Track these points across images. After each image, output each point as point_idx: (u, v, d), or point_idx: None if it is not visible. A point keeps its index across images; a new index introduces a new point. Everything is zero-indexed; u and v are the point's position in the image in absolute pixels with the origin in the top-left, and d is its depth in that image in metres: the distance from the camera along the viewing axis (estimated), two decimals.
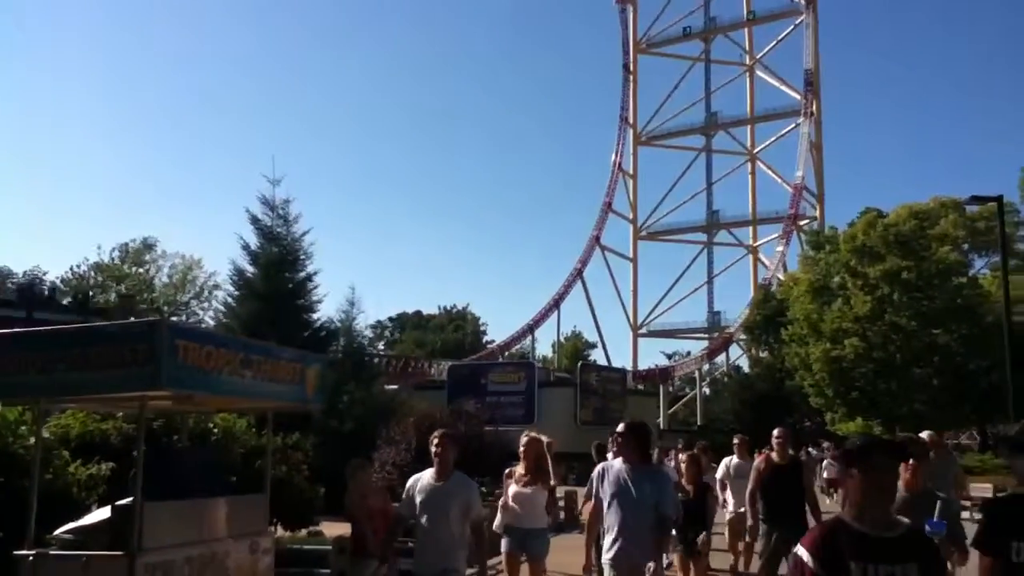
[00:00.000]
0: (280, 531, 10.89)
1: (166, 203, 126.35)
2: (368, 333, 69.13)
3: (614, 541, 5.54)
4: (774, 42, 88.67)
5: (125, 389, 5.57)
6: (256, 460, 9.83)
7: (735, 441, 12.22)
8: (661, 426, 59.18)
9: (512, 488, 7.79)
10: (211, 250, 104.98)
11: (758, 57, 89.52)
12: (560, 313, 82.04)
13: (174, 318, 42.38)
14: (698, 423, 62.61)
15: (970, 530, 4.76)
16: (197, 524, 6.27)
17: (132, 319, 7.47)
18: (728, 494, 11.74)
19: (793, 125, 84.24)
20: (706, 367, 75.90)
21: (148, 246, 56.97)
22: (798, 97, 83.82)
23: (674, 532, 6.87)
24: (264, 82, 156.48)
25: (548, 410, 47.29)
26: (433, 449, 6.01)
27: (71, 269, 55.81)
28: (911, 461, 5.02)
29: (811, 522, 8.11)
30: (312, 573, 7.90)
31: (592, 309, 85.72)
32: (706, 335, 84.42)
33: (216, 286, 49.98)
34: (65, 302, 45.38)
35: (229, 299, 23.30)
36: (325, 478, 11.70)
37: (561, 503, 15.17)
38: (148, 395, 5.83)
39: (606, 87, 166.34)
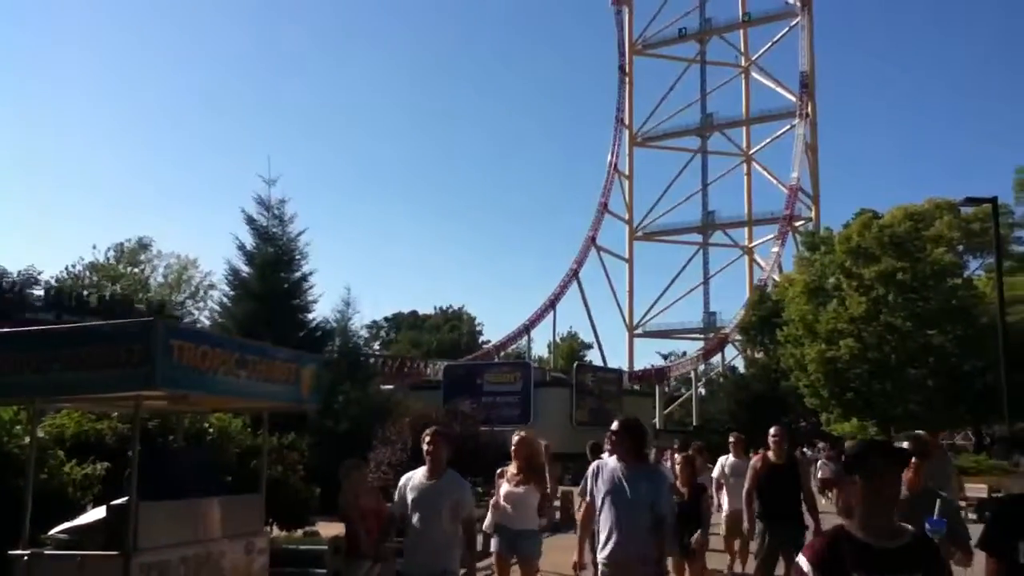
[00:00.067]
0: (276, 531, 10.89)
1: (162, 203, 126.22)
2: (364, 333, 68.92)
3: (607, 540, 5.50)
4: (769, 44, 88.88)
5: (120, 389, 5.56)
6: (252, 460, 9.82)
7: (731, 440, 12.20)
8: (657, 426, 59.24)
9: (504, 488, 7.70)
10: (207, 250, 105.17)
11: (754, 59, 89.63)
12: (556, 313, 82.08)
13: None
14: (694, 423, 62.68)
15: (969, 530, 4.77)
16: (192, 524, 6.26)
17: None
18: (723, 496, 11.74)
19: (788, 126, 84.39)
20: (702, 367, 76.00)
21: (143, 246, 56.96)
22: (793, 99, 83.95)
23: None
24: (261, 83, 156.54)
25: (544, 410, 47.32)
26: (425, 447, 5.98)
27: (66, 269, 55.72)
28: (913, 460, 4.99)
29: (809, 521, 8.12)
30: (308, 573, 7.89)
31: (588, 309, 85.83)
32: (702, 336, 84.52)
33: (211, 286, 50.02)
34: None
35: (224, 299, 23.29)
36: (321, 478, 11.69)
37: (557, 503, 15.18)
38: (143, 395, 5.83)
39: (602, 88, 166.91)
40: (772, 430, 8.44)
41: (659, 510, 5.55)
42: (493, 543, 7.86)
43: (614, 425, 5.86)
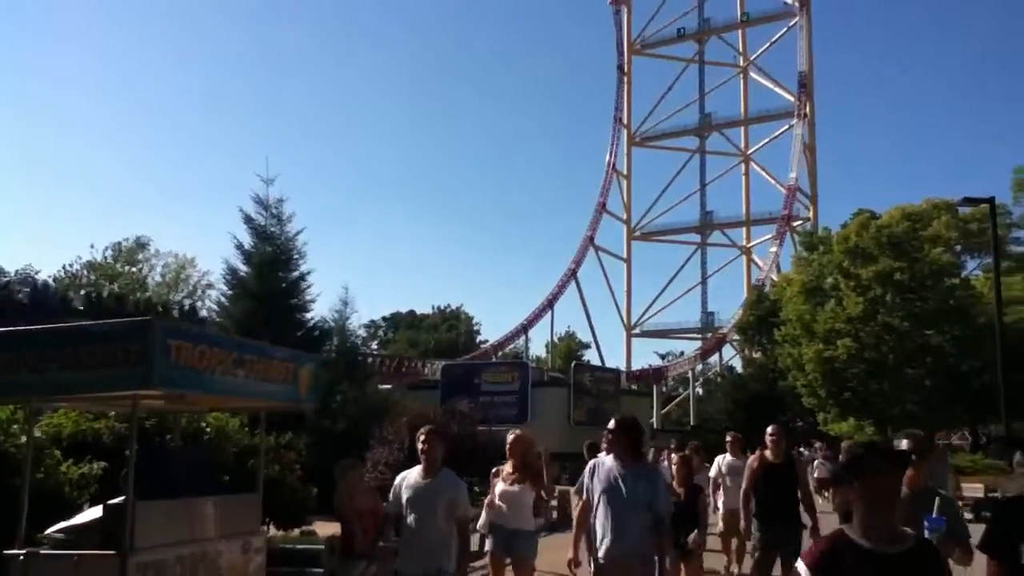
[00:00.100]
0: (273, 530, 10.90)
1: (161, 202, 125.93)
2: (362, 333, 69.30)
3: (603, 539, 5.49)
4: (768, 44, 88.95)
5: (117, 388, 5.56)
6: (249, 459, 9.82)
7: (728, 439, 12.17)
8: (654, 426, 59.24)
9: (499, 486, 7.64)
10: (205, 249, 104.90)
11: (752, 59, 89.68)
12: (554, 313, 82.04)
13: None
14: (691, 423, 62.66)
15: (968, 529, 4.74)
16: (189, 523, 6.25)
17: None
18: (719, 497, 11.71)
19: (787, 126, 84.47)
20: (699, 367, 76.07)
21: (141, 245, 56.94)
22: (792, 99, 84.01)
23: None
24: (260, 82, 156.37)
25: (541, 410, 47.35)
26: (420, 446, 5.96)
27: (63, 268, 55.68)
28: (913, 457, 4.96)
29: (806, 520, 8.11)
30: (304, 573, 7.89)
31: (586, 309, 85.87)
32: (699, 335, 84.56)
33: (209, 285, 50.01)
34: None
35: (222, 298, 23.28)
36: (318, 478, 11.68)
37: (554, 503, 15.18)
38: (140, 394, 5.82)
39: (600, 88, 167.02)
40: (770, 429, 8.41)
41: (657, 509, 5.54)
42: (488, 543, 7.81)
43: (611, 424, 5.84)
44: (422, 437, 5.98)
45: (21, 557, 5.68)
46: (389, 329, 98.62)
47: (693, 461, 9.81)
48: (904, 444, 4.96)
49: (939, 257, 36.33)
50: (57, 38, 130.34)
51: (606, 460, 5.72)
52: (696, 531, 7.88)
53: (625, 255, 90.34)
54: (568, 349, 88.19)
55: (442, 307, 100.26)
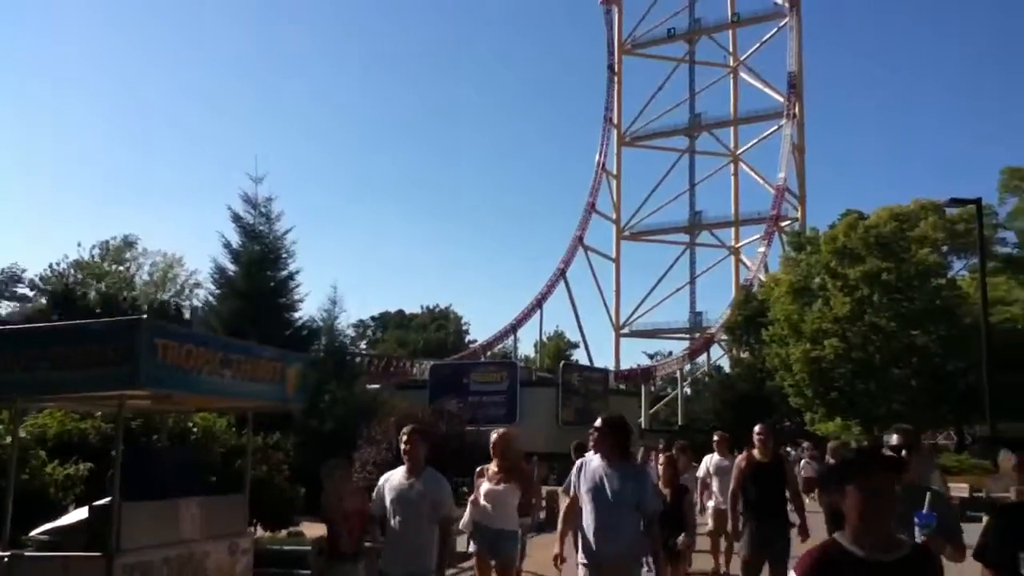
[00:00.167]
0: (260, 531, 10.85)
1: (149, 201, 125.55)
2: (350, 332, 68.97)
3: (591, 540, 5.47)
4: (758, 44, 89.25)
5: (104, 388, 5.53)
6: (236, 460, 9.78)
7: (715, 438, 12.12)
8: (642, 426, 59.37)
9: (484, 486, 7.59)
10: (193, 248, 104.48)
11: (742, 59, 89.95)
12: (543, 313, 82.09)
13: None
14: (679, 423, 62.80)
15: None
16: (176, 524, 6.23)
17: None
18: (707, 498, 11.71)
19: (776, 127, 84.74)
20: (688, 367, 76.24)
21: (129, 244, 56.50)
22: (781, 99, 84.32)
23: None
24: (251, 81, 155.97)
25: (530, 410, 47.37)
26: (403, 446, 5.96)
27: (50, 266, 55.27)
28: (903, 453, 4.92)
29: (794, 520, 8.13)
30: (291, 574, 7.89)
31: (575, 309, 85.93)
32: (688, 335, 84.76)
33: (197, 284, 49.71)
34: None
35: (210, 297, 23.20)
36: (305, 478, 11.63)
37: (542, 503, 15.19)
38: (127, 394, 5.80)
39: (591, 87, 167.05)
40: (757, 428, 8.39)
41: (645, 508, 5.52)
42: (472, 544, 7.77)
43: (597, 422, 5.80)
44: (404, 437, 5.97)
45: (6, 559, 5.64)
46: (378, 329, 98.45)
47: (680, 461, 9.80)
48: (895, 439, 4.95)
49: (926, 258, 36.56)
50: (47, 37, 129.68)
51: (593, 460, 5.68)
52: (684, 533, 7.87)
53: (614, 255, 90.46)
54: (557, 349, 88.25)
55: (431, 307, 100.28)
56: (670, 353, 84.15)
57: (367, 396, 24.13)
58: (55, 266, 54.92)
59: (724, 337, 66.74)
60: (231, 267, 21.54)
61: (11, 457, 6.13)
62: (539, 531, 13.65)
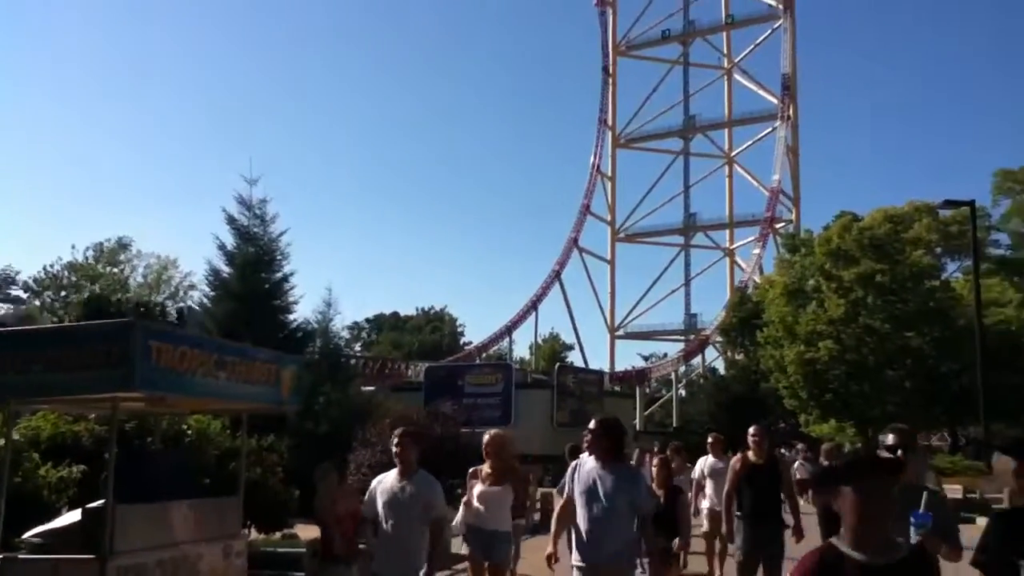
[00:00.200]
0: (254, 534, 10.82)
1: (144, 203, 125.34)
2: (345, 334, 69.02)
3: (586, 542, 5.48)
4: (752, 46, 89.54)
5: (98, 390, 5.52)
6: (230, 462, 9.77)
7: (709, 440, 12.03)
8: (637, 427, 59.39)
9: (478, 487, 7.57)
10: (188, 250, 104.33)
11: (736, 61, 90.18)
12: (538, 315, 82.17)
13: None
14: (674, 425, 62.84)
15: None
16: (169, 527, 6.22)
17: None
18: (701, 500, 11.69)
19: (770, 129, 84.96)
20: (682, 369, 76.27)
21: (123, 246, 56.37)
22: (775, 101, 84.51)
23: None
24: (246, 83, 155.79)
25: (525, 412, 47.32)
26: (394, 449, 5.97)
27: (44, 269, 55.13)
28: (899, 452, 4.88)
29: (789, 521, 8.13)
30: None
31: (570, 311, 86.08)
32: (682, 337, 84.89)
33: (191, 286, 49.62)
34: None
35: (204, 299, 23.12)
36: (300, 480, 11.61)
37: (537, 506, 15.19)
38: (120, 396, 5.79)
39: (585, 89, 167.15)
40: (752, 429, 8.38)
41: (640, 510, 5.52)
42: (465, 547, 7.76)
43: (592, 424, 5.79)
44: (395, 440, 5.98)
45: None
46: (373, 331, 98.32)
47: (674, 462, 9.79)
48: (891, 438, 4.94)
49: (920, 259, 36.65)
50: (43, 40, 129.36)
51: (587, 461, 5.67)
52: (677, 536, 7.86)
53: (609, 257, 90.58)
54: (552, 351, 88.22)
55: (426, 309, 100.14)
56: (665, 355, 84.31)
57: (362, 398, 24.07)
58: (49, 268, 54.82)
59: (719, 339, 66.78)
60: (225, 269, 21.49)
61: (4, 459, 6.10)
62: (533, 533, 13.65)
